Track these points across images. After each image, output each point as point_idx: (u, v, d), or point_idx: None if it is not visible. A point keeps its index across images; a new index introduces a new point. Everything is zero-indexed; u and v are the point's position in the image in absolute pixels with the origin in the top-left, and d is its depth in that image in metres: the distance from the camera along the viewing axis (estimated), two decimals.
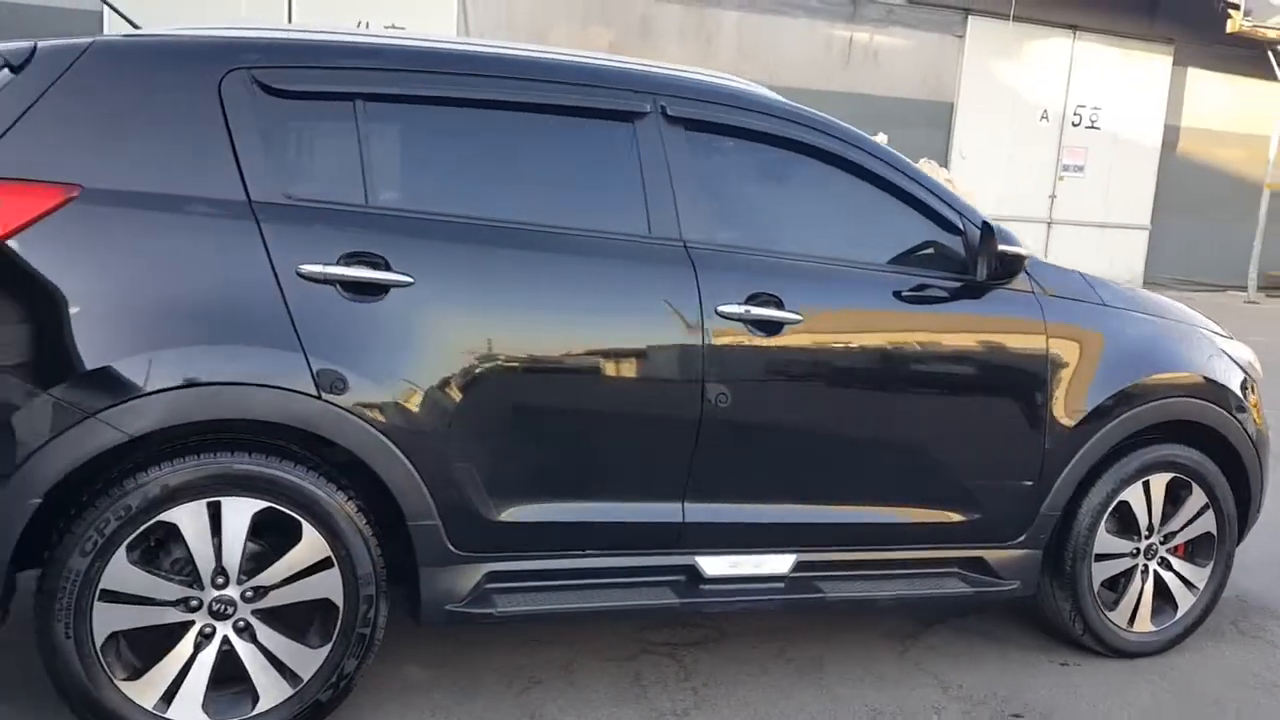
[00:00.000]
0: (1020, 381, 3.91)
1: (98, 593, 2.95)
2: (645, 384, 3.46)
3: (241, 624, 3.11)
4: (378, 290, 3.14)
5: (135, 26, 3.40)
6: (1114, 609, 4.24)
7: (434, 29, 13.41)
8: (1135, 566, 4.26)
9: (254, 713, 3.14)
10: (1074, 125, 18.61)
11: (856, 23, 16.87)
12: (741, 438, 3.56)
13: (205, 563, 3.04)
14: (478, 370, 3.25)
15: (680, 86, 3.66)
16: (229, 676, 3.12)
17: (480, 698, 3.61)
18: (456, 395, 3.23)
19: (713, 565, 3.62)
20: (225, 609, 3.08)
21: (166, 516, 2.99)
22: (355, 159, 3.25)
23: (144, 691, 3.05)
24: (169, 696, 3.06)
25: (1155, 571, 4.31)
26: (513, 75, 3.48)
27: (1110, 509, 4.15)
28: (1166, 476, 4.24)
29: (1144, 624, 4.30)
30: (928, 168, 9.12)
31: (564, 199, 3.54)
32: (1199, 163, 19.33)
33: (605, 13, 15.55)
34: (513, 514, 3.35)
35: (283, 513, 3.10)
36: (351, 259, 3.13)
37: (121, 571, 2.96)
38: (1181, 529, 4.33)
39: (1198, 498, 4.31)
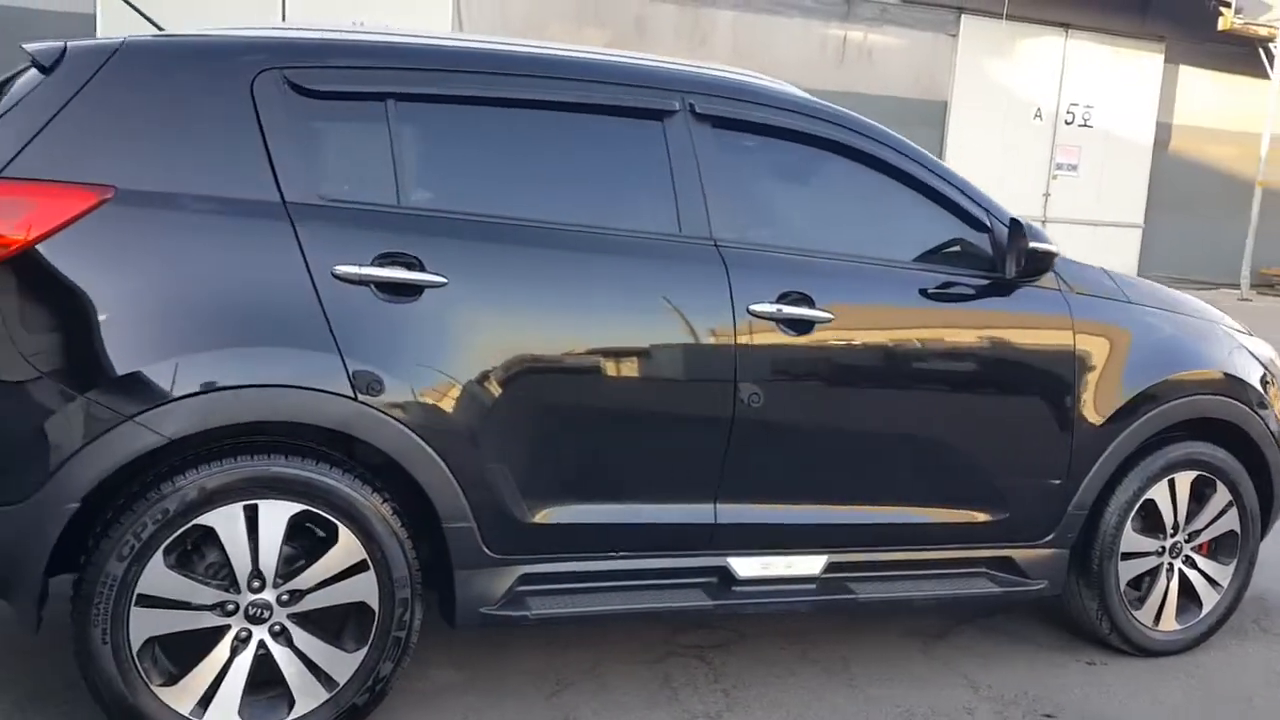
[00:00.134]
0: (1049, 380, 3.90)
1: (134, 598, 2.92)
2: (678, 384, 3.45)
3: (277, 628, 3.09)
4: (412, 291, 3.12)
5: (158, 28, 3.37)
6: (1140, 608, 4.23)
7: (428, 28, 13.36)
8: (1161, 565, 4.26)
9: (290, 717, 3.11)
10: (1067, 123, 18.64)
11: (850, 22, 16.87)
12: (774, 437, 3.54)
13: (242, 566, 3.01)
14: (511, 371, 3.22)
15: (708, 84, 3.64)
16: (264, 680, 3.10)
17: (511, 700, 3.59)
18: (490, 396, 3.20)
19: (745, 567, 3.61)
20: (261, 613, 3.05)
21: (203, 520, 2.96)
22: (387, 159, 3.23)
23: (180, 697, 3.02)
24: (205, 701, 3.03)
25: (1180, 570, 4.30)
26: (543, 74, 3.46)
27: (1136, 507, 4.14)
28: (1191, 474, 4.24)
29: (1169, 622, 4.30)
30: None
31: (594, 198, 3.52)
32: (1191, 160, 19.37)
33: (600, 12, 15.52)
34: (546, 516, 3.33)
35: (318, 515, 3.07)
36: (386, 260, 3.10)
37: (158, 576, 2.93)
38: (1206, 527, 4.32)
39: (1222, 495, 4.31)
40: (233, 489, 2.97)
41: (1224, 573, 4.38)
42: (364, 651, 3.18)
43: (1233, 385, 4.26)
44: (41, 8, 12.99)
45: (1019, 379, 3.89)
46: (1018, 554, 3.99)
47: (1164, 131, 19.33)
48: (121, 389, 2.86)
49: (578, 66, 3.53)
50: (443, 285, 3.13)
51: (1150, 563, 4.24)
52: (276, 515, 3.02)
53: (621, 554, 3.48)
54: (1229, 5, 18.27)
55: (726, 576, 3.59)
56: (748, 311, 3.44)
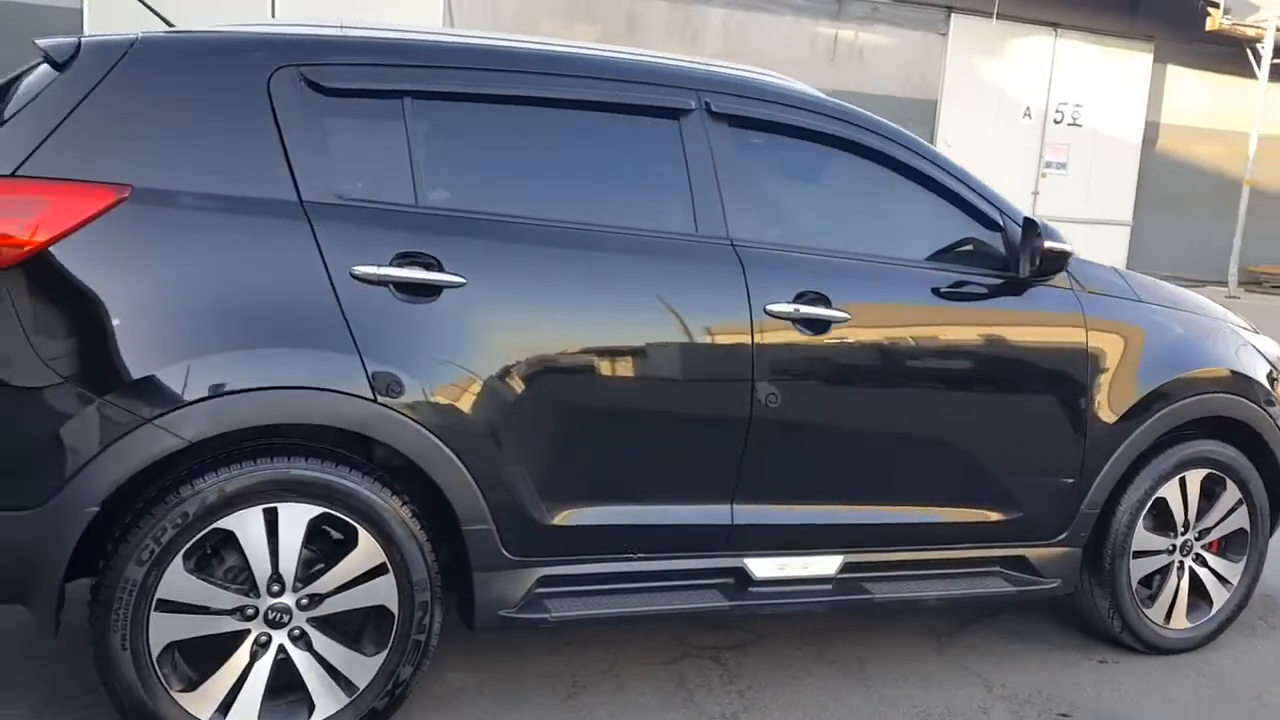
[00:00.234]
0: (1063, 379, 3.90)
1: (154, 603, 2.89)
2: (696, 385, 3.43)
3: (297, 632, 3.06)
4: (431, 291, 3.09)
5: (169, 24, 3.33)
6: (1151, 606, 4.23)
7: (420, 24, 13.32)
8: (1171, 563, 4.26)
9: None
10: (1056, 122, 18.70)
11: (841, 20, 16.90)
12: (790, 437, 3.53)
13: (261, 570, 2.99)
14: (528, 371, 3.20)
15: (724, 82, 3.62)
16: (284, 685, 3.07)
17: (528, 703, 3.57)
18: (508, 397, 3.18)
19: (761, 567, 3.59)
20: (281, 617, 3.03)
21: (223, 523, 2.93)
22: (404, 158, 3.20)
23: (200, 703, 2.99)
24: (225, 707, 3.01)
25: (1190, 568, 4.30)
26: (559, 72, 3.44)
27: (1148, 506, 4.14)
28: (1202, 472, 4.24)
29: (1180, 620, 4.30)
30: None
31: (611, 197, 3.50)
32: (1179, 159, 19.46)
33: (591, 9, 15.51)
34: (565, 517, 3.31)
35: (337, 518, 3.04)
36: (404, 260, 3.08)
37: (178, 580, 2.91)
38: (1216, 525, 4.33)
39: (1232, 493, 4.31)
40: (253, 492, 2.94)
41: (1233, 570, 4.38)
42: (383, 655, 3.15)
43: (1242, 382, 4.26)
44: (27, 1, 12.89)
45: (1033, 378, 3.89)
46: (1031, 553, 3.98)
47: (1152, 130, 19.42)
48: (140, 391, 2.83)
49: (595, 64, 3.51)
50: (461, 285, 3.11)
51: (1161, 561, 4.24)
52: (296, 518, 2.99)
53: (639, 555, 3.46)
54: (1217, 5, 18.37)
55: (743, 577, 3.58)
56: (765, 311, 3.42)
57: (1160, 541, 4.22)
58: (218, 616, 2.97)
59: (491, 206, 3.27)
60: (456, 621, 3.40)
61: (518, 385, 3.18)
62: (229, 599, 2.97)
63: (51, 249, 2.80)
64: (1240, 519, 4.36)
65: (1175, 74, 19.40)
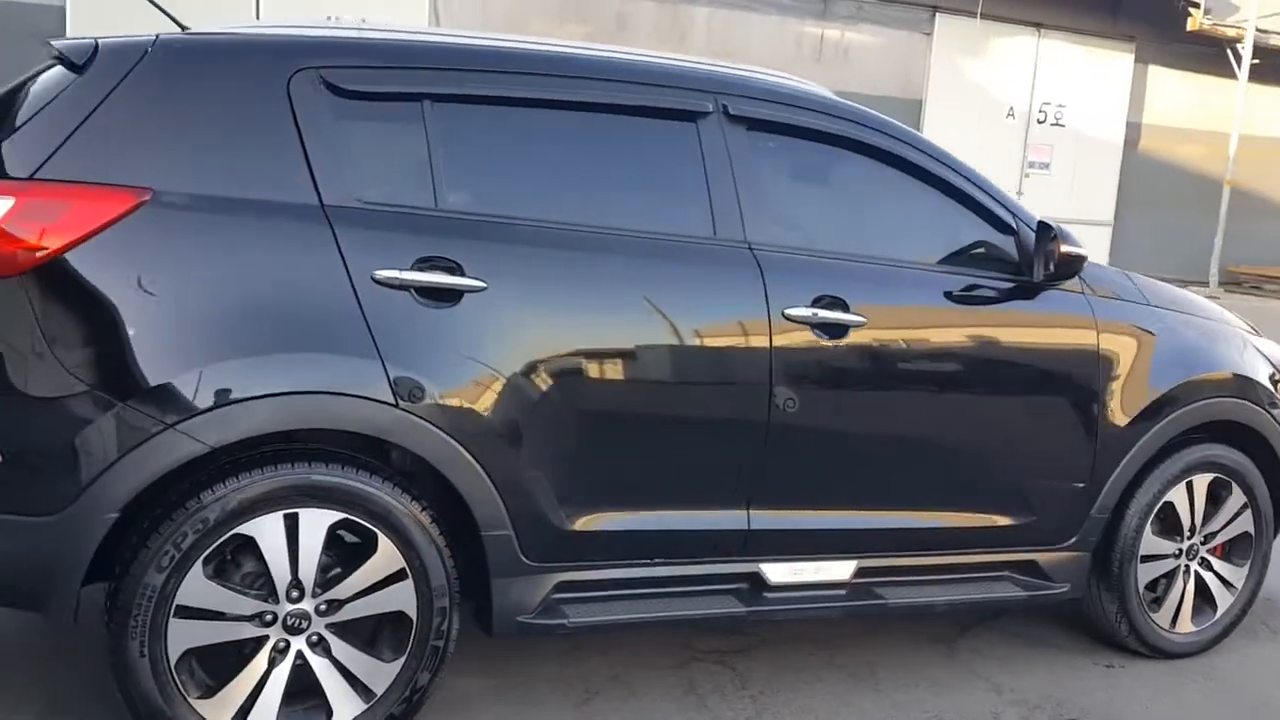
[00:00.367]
0: (1075, 383, 3.91)
1: (173, 609, 2.86)
2: (714, 389, 3.43)
3: (315, 638, 3.03)
4: (452, 296, 3.07)
5: (182, 26, 3.29)
6: (1157, 610, 4.25)
7: (407, 23, 13.25)
8: (1178, 567, 4.28)
9: None
10: (1039, 122, 18.77)
11: (827, 20, 16.91)
12: (807, 442, 3.52)
13: (281, 576, 2.96)
14: (549, 376, 3.18)
15: (741, 85, 3.61)
16: (301, 691, 3.04)
17: (541, 709, 3.55)
18: (528, 402, 3.16)
19: (776, 572, 3.59)
20: (299, 623, 3.00)
21: (244, 529, 2.90)
22: (424, 161, 3.18)
23: (218, 710, 2.96)
24: (243, 714, 2.98)
25: (1196, 572, 4.32)
26: (578, 75, 3.42)
27: (1156, 510, 4.15)
28: (1209, 477, 4.26)
29: (1185, 624, 4.32)
30: None
31: (628, 200, 3.49)
32: (1161, 159, 19.55)
33: (580, 9, 15.48)
34: (584, 523, 3.29)
35: (357, 523, 3.02)
36: (425, 264, 3.05)
37: (198, 587, 2.88)
38: (1222, 529, 4.35)
39: (1237, 498, 4.33)
40: (274, 497, 2.91)
41: (1238, 574, 4.40)
42: (401, 661, 3.13)
43: (1247, 386, 4.28)
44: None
45: (1045, 382, 3.90)
46: (1041, 557, 3.99)
47: (1134, 130, 19.51)
48: (161, 396, 2.80)
49: (613, 67, 3.49)
50: (482, 290, 3.09)
51: (1167, 565, 4.25)
52: (317, 524, 2.97)
53: (656, 561, 3.44)
54: (1198, 6, 18.47)
55: (759, 582, 3.57)
56: (783, 316, 3.41)
57: (1167, 546, 4.23)
58: (236, 622, 2.94)
59: (511, 210, 3.25)
60: (466, 625, 3.38)
61: (538, 390, 3.17)
62: (248, 605, 2.95)
63: (72, 253, 2.76)
64: (1245, 523, 4.38)
65: (1156, 74, 19.50)
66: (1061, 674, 4.09)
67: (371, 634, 3.13)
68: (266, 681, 2.99)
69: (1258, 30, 18.54)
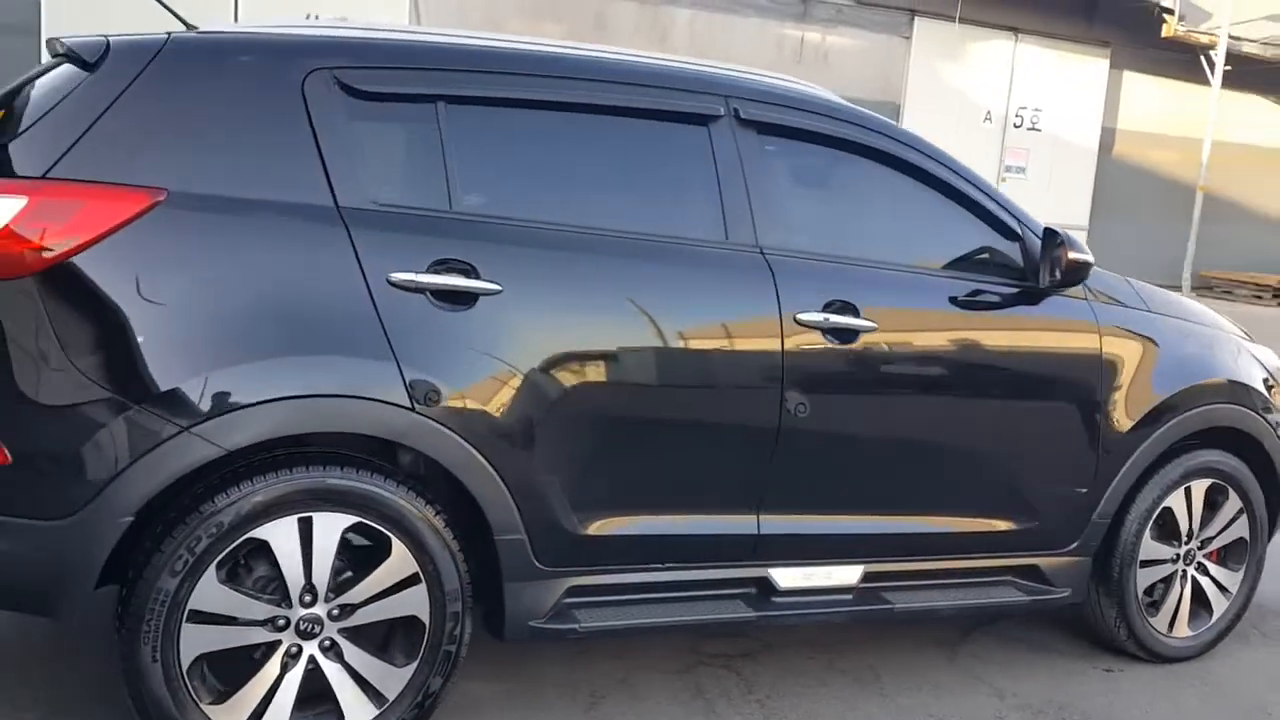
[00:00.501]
0: (1078, 389, 3.93)
1: (186, 613, 2.83)
2: (727, 394, 3.42)
3: (327, 643, 3.01)
4: (467, 299, 3.05)
5: (188, 25, 3.26)
6: (1155, 614, 4.27)
7: (388, 21, 13.18)
8: (1175, 572, 4.31)
9: None
10: (1016, 126, 18.84)
11: (807, 22, 16.91)
12: (817, 447, 3.52)
13: (294, 580, 2.93)
14: (563, 380, 3.17)
15: (751, 89, 3.61)
16: (313, 696, 3.02)
17: (549, 714, 3.54)
18: (542, 406, 3.15)
19: (785, 577, 3.59)
20: (312, 628, 2.98)
21: (258, 533, 2.88)
22: (438, 163, 3.16)
23: (230, 716, 2.93)
24: (255, 719, 2.95)
25: (1193, 576, 4.35)
26: (591, 77, 3.40)
27: (1155, 515, 4.18)
28: (1206, 482, 4.29)
29: (1182, 629, 4.35)
30: None
31: (642, 203, 3.47)
32: (1135, 165, 19.66)
33: (559, 8, 15.43)
34: (597, 527, 3.28)
35: (370, 527, 3.00)
36: (441, 266, 3.03)
37: (211, 591, 2.85)
38: (1218, 534, 4.38)
39: (1234, 503, 4.37)
40: (288, 501, 2.89)
41: (1233, 579, 4.44)
42: (414, 666, 3.11)
43: (1243, 391, 4.32)
44: None
45: (1051, 388, 3.91)
46: (1043, 562, 4.01)
47: (1109, 136, 19.60)
48: (176, 399, 2.77)
49: (625, 70, 3.48)
50: (497, 293, 3.07)
51: (1165, 570, 4.28)
52: (330, 528, 2.95)
53: (666, 565, 3.44)
54: (1172, 12, 18.56)
55: (767, 587, 3.57)
56: (795, 321, 3.41)
57: (1165, 551, 4.26)
58: (249, 627, 2.92)
59: (524, 213, 3.23)
60: (473, 629, 3.35)
61: (551, 394, 3.15)
62: (261, 609, 2.92)
63: (86, 253, 2.73)
64: (1240, 528, 4.41)
65: (1131, 80, 19.59)
66: (1062, 678, 4.11)
67: (384, 639, 3.11)
68: (279, 687, 2.97)
69: (1230, 37, 18.65)
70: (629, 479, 3.33)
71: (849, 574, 3.68)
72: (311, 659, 2.99)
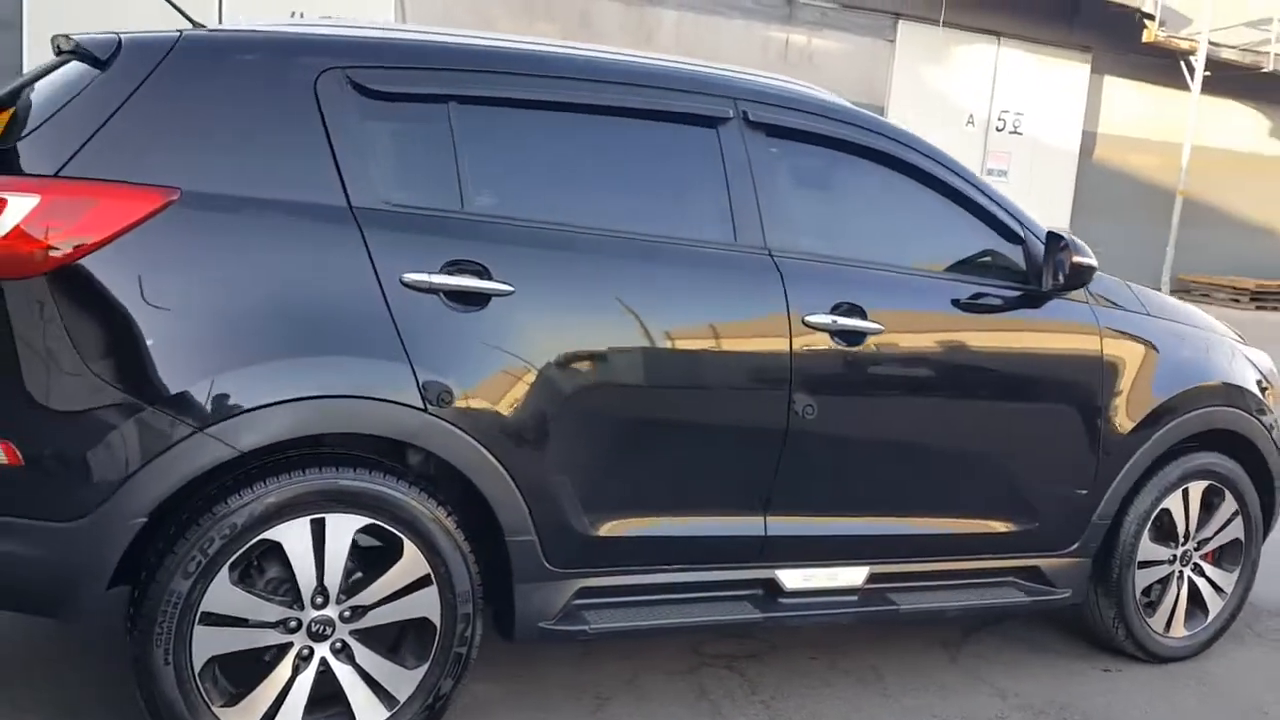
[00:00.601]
0: (1080, 391, 3.95)
1: (198, 615, 2.82)
2: (736, 396, 3.43)
3: (339, 644, 3.00)
4: (480, 300, 3.05)
5: (194, 23, 3.25)
6: (1152, 615, 4.30)
7: (371, 19, 13.13)
8: (1172, 573, 4.34)
9: None
10: (998, 130, 18.93)
11: (792, 25, 16.95)
12: (824, 449, 3.53)
13: (307, 582, 2.92)
14: (574, 381, 3.17)
15: (760, 92, 3.61)
16: (324, 698, 3.01)
17: (556, 715, 3.54)
18: (554, 407, 3.15)
19: (792, 578, 3.59)
20: (324, 629, 2.97)
21: (271, 534, 2.86)
22: (451, 163, 3.15)
23: (242, 718, 2.92)
24: None
25: (1189, 577, 4.38)
26: (602, 79, 3.40)
27: (1153, 517, 4.21)
28: (1204, 484, 4.33)
29: (1179, 629, 4.38)
30: None
31: (652, 205, 3.47)
32: (1115, 169, 19.78)
33: (546, 7, 15.43)
34: (607, 529, 3.28)
35: (382, 529, 2.99)
36: (454, 267, 3.03)
37: (224, 593, 2.84)
38: (1214, 535, 4.42)
39: (1229, 505, 4.41)
40: (302, 502, 2.88)
41: (1228, 580, 4.48)
42: (425, 668, 3.10)
43: (1239, 394, 4.36)
44: None
45: (1054, 390, 3.94)
46: (1045, 563, 4.04)
47: (1089, 140, 19.72)
48: (189, 400, 2.75)
49: (637, 72, 3.48)
50: (509, 294, 3.07)
51: (1163, 571, 4.31)
52: (343, 529, 2.94)
53: (675, 567, 3.44)
54: (1153, 18, 18.68)
55: (774, 588, 3.58)
56: (803, 323, 3.42)
57: (1163, 552, 4.29)
58: (261, 629, 2.91)
59: (536, 214, 3.23)
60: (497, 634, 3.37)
61: (563, 395, 3.15)
62: (273, 611, 2.91)
63: (98, 252, 2.71)
64: (1236, 529, 4.45)
65: (1112, 85, 19.72)
66: (1062, 678, 4.13)
67: (395, 640, 3.11)
68: (290, 689, 2.96)
69: (1210, 43, 18.80)
70: (638, 480, 3.33)
71: (855, 575, 3.69)
72: (323, 661, 2.98)
